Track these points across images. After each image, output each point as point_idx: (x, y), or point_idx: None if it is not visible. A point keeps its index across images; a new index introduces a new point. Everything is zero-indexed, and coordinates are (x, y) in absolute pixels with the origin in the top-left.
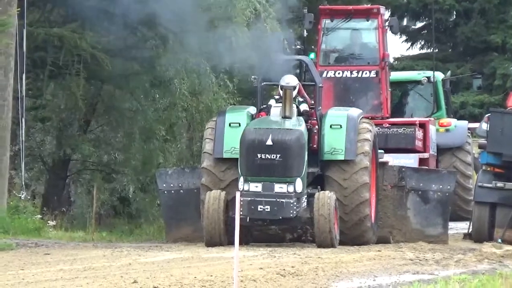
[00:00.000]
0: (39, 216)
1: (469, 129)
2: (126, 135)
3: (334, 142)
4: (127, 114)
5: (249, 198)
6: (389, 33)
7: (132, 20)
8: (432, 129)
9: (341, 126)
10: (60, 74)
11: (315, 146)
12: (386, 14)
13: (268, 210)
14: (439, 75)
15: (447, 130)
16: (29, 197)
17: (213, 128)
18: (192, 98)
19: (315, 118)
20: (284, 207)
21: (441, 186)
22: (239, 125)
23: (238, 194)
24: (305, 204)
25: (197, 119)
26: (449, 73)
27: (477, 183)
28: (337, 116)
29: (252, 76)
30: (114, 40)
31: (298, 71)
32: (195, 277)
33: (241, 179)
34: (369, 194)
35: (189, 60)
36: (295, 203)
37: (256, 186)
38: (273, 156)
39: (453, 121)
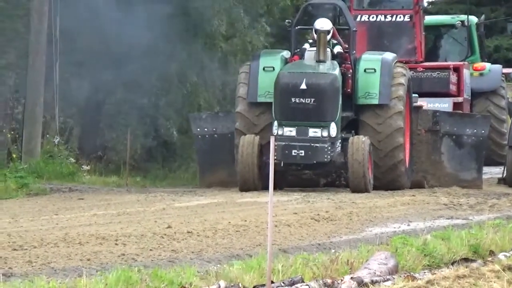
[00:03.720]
0: (73, 160)
1: (503, 73)
2: (160, 78)
3: (368, 86)
4: (160, 57)
5: (283, 143)
6: None
7: None
8: (466, 73)
9: (375, 70)
10: (93, 17)
11: (349, 90)
12: None
13: (303, 154)
14: (473, 19)
15: (481, 74)
16: (63, 142)
17: (247, 72)
18: (228, 40)
19: (349, 62)
20: (318, 151)
21: (475, 131)
22: (273, 69)
23: (272, 139)
24: (339, 149)
25: (232, 62)
26: (483, 17)
27: (511, 127)
28: (371, 60)
29: (286, 20)
30: None
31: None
32: (229, 222)
33: (275, 123)
34: (403, 139)
35: (223, 3)
36: (329, 148)
37: (290, 131)
38: (307, 100)
39: (487, 65)
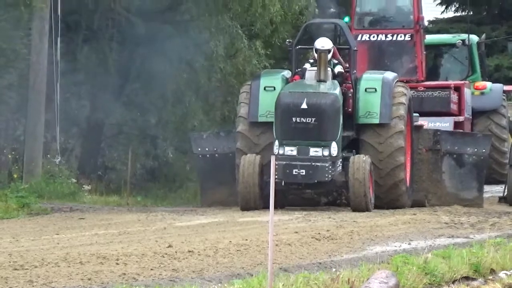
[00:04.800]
0: (74, 180)
1: (504, 92)
2: (159, 98)
3: (369, 106)
4: (160, 78)
5: (284, 162)
6: None
7: None
8: (467, 92)
9: (376, 90)
10: (94, 38)
11: (350, 109)
12: None
13: (303, 173)
14: (474, 38)
15: (482, 93)
16: (64, 162)
17: (248, 92)
18: (226, 60)
19: (350, 82)
20: (319, 170)
21: (476, 150)
22: (274, 89)
23: (273, 158)
24: (340, 168)
25: (231, 82)
26: (483, 36)
27: None
28: (372, 79)
29: (287, 40)
30: (148, 2)
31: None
32: (230, 241)
33: (276, 143)
34: (404, 158)
35: (221, 22)
36: (330, 167)
37: (291, 150)
38: (308, 120)
39: (488, 84)
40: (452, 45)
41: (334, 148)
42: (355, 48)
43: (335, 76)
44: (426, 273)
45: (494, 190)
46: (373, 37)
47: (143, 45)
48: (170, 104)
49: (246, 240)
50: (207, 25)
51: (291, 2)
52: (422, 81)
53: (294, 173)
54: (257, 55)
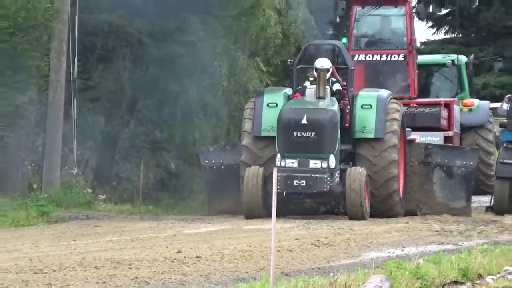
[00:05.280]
0: (90, 190)
1: (490, 109)
2: (169, 114)
3: (365, 121)
4: (170, 95)
5: (286, 174)
6: (416, 19)
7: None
8: (456, 108)
9: (371, 106)
10: (108, 57)
11: (347, 125)
12: (413, 1)
13: (304, 184)
14: (462, 58)
15: (470, 110)
16: (80, 173)
17: (252, 108)
18: (230, 79)
19: (347, 99)
20: (318, 181)
21: (464, 162)
22: (276, 105)
23: (275, 170)
24: (338, 179)
25: (235, 100)
26: (472, 56)
27: (498, 159)
28: (367, 96)
29: (288, 60)
30: (159, 24)
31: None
32: (235, 248)
33: (278, 155)
34: (398, 170)
35: (225, 44)
36: (328, 178)
37: (292, 162)
38: (308, 134)
39: (476, 101)
40: (443, 65)
41: (332, 161)
42: (352, 68)
43: (333, 94)
44: (417, 277)
45: (481, 200)
46: (369, 57)
47: (154, 63)
48: (179, 120)
49: (250, 246)
50: (213, 46)
51: (289, 25)
52: (414, 98)
53: (295, 184)
54: (260, 72)
